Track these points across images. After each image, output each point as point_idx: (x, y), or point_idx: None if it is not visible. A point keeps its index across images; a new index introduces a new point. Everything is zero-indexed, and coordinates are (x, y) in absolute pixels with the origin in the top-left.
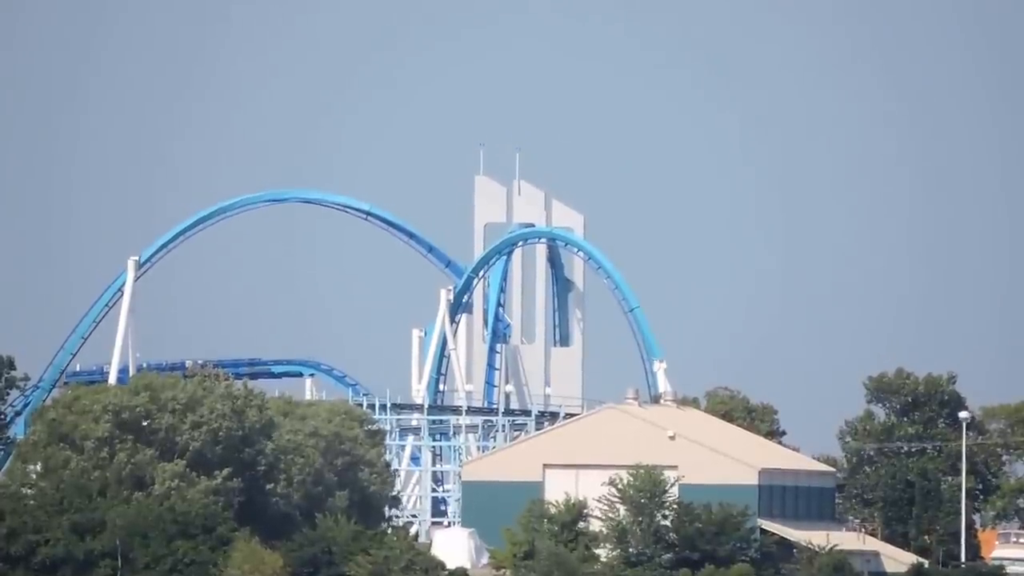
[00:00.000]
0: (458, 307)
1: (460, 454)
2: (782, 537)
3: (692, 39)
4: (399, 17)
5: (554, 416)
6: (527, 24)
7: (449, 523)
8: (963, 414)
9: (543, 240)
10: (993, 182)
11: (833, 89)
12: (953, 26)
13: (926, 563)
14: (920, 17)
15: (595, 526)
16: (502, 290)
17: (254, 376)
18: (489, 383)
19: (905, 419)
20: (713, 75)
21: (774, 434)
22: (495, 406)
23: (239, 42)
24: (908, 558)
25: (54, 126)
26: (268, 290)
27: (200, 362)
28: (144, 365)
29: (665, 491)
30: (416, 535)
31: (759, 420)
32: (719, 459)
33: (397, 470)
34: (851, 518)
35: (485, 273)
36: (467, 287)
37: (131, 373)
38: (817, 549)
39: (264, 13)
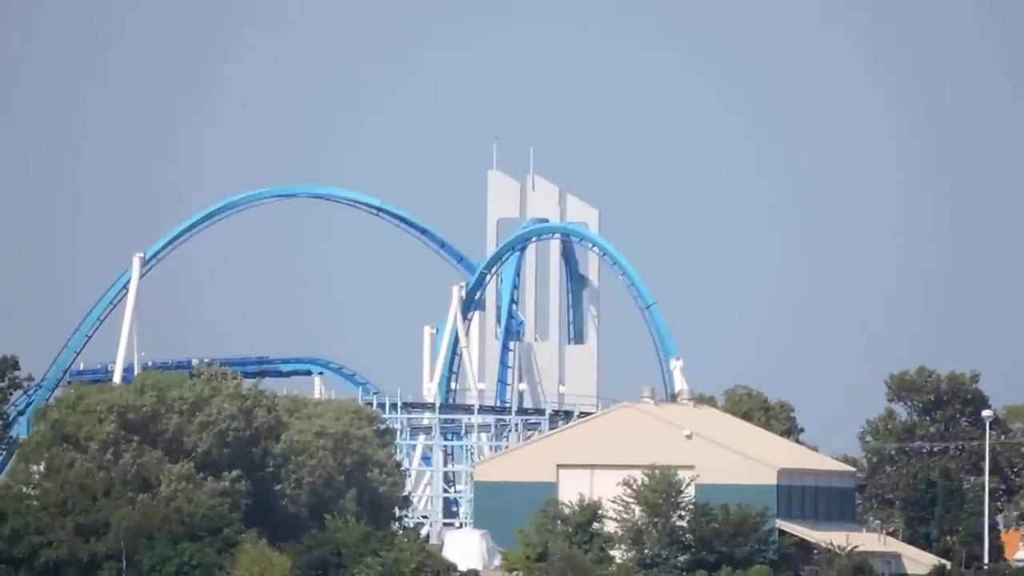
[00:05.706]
0: (470, 304)
1: (472, 454)
2: (801, 538)
3: (707, 34)
4: (411, 11)
5: (568, 415)
6: (540, 19)
7: (461, 524)
8: (986, 413)
9: (557, 235)
10: (1017, 178)
11: (847, 82)
12: (971, 24)
13: (948, 565)
14: (941, 13)
15: (610, 527)
16: (515, 286)
17: (262, 375)
18: (502, 381)
19: (927, 418)
20: (729, 68)
21: (792, 433)
22: (508, 405)
23: (248, 35)
24: (930, 559)
25: (58, 121)
26: (276, 287)
27: (207, 361)
28: (149, 364)
29: (681, 491)
30: (427, 536)
31: (777, 419)
32: (737, 459)
33: (408, 470)
34: (872, 519)
35: (498, 269)
36: (480, 283)
37: (136, 372)
38: (837, 551)
39: (274, 6)
